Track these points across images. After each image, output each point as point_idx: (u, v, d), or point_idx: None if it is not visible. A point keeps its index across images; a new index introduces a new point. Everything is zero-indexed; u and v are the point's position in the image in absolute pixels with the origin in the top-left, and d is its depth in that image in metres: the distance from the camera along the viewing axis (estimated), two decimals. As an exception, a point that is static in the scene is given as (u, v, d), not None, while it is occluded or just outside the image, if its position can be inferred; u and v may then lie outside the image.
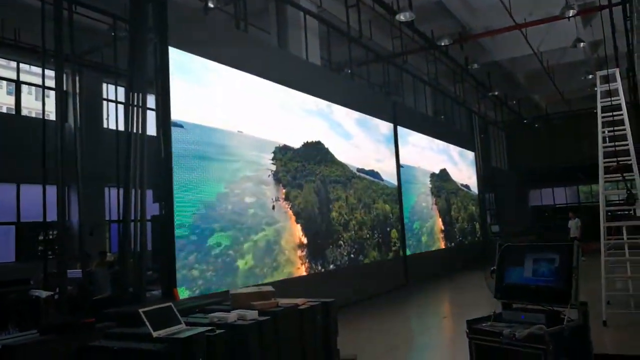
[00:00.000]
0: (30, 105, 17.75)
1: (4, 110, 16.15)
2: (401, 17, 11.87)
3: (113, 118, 15.48)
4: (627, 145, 7.79)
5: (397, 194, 13.54)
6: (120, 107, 13.35)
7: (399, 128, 14.17)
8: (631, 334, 7.02)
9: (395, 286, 12.67)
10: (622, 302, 8.17)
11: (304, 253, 9.35)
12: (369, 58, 14.29)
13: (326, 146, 10.60)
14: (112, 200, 14.77)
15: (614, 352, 5.88)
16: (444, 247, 16.49)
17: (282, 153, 9.20)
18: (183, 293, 6.64)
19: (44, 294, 6.56)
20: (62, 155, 6.71)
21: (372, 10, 13.32)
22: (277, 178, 8.97)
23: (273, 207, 8.72)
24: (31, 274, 9.42)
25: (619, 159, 7.48)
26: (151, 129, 7.06)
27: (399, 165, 13.85)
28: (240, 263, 7.79)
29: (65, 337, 4.06)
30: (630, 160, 7.66)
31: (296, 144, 9.67)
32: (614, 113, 7.90)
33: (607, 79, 8.30)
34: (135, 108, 6.83)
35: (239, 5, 9.92)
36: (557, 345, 3.32)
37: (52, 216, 7.38)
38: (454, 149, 18.83)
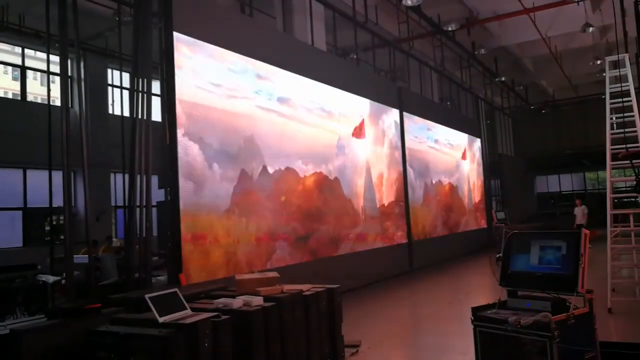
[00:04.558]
0: (36, 90, 17.74)
1: (10, 96, 16.16)
2: (408, 1, 11.76)
3: (118, 103, 15.56)
4: (636, 131, 7.72)
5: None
6: (126, 93, 13.40)
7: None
8: (636, 321, 7.02)
9: (400, 272, 12.70)
10: (627, 290, 8.16)
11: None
12: (374, 43, 14.17)
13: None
14: (117, 186, 14.84)
15: (619, 339, 5.87)
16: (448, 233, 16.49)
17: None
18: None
19: (51, 279, 6.62)
20: (67, 140, 6.71)
21: (378, -5, 13.19)
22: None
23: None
24: (38, 259, 9.50)
25: (628, 145, 7.40)
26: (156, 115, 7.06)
27: (404, 151, 13.78)
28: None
29: (72, 322, 4.10)
30: (639, 146, 7.59)
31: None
32: (624, 99, 7.81)
33: (616, 65, 8.20)
34: (140, 93, 6.81)
35: (244, -11, 9.84)
36: (562, 332, 3.32)
37: (58, 202, 7.41)
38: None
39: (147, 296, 3.80)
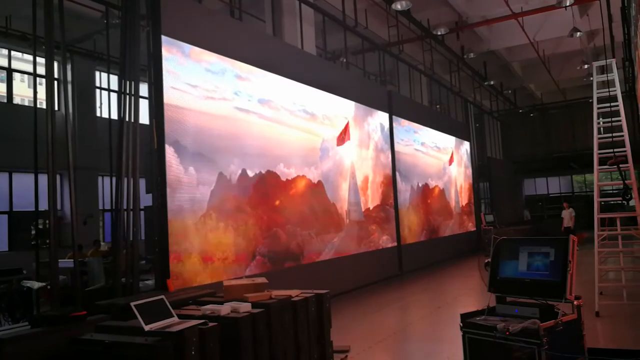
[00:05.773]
0: (23, 93, 17.54)
1: (-4, 98, 15.96)
2: (397, 5, 11.78)
3: (106, 106, 15.43)
4: (624, 136, 7.79)
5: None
6: (113, 96, 13.29)
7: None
8: (623, 325, 7.06)
9: (390, 276, 12.70)
10: (614, 293, 8.22)
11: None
12: (364, 47, 14.19)
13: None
14: (105, 189, 14.69)
15: (607, 344, 5.91)
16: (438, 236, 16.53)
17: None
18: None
19: (36, 284, 6.51)
20: (53, 143, 6.61)
21: (368, -1, 13.20)
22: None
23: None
24: (25, 264, 9.38)
25: (615, 150, 7.46)
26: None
27: (394, 154, 13.79)
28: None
29: (57, 329, 4.03)
30: (625, 151, 7.66)
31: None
32: (611, 104, 7.86)
33: (603, 70, 8.25)
34: (127, 96, 6.75)
35: (234, -8, 9.79)
36: (551, 339, 3.32)
37: (44, 205, 7.30)
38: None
39: (132, 304, 3.75)
